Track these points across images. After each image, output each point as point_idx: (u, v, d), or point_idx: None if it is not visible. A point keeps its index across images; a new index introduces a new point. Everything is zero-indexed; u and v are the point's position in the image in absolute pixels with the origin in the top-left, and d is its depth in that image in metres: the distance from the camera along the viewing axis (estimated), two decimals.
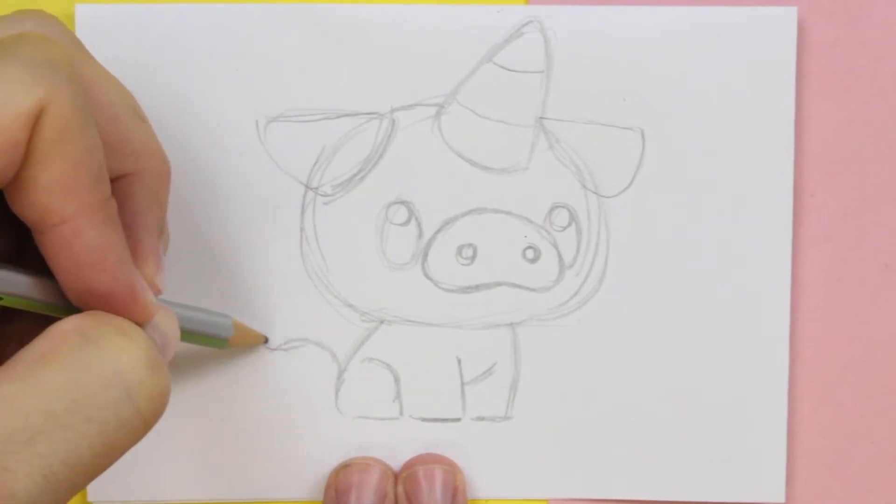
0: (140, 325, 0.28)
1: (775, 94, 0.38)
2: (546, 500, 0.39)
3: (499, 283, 0.38)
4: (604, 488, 0.38)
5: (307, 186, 0.38)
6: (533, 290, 0.38)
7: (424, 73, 0.38)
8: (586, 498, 0.39)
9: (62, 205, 0.26)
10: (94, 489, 0.38)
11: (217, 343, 0.36)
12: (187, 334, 0.34)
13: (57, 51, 0.26)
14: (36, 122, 0.25)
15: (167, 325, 0.30)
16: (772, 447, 0.38)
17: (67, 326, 0.26)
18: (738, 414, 0.38)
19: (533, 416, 0.38)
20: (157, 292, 0.31)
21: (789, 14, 0.38)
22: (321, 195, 0.38)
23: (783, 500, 0.38)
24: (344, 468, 0.38)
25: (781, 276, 0.38)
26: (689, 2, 0.38)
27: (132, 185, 0.31)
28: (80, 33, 0.37)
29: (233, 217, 0.38)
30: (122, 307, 0.28)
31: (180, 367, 0.38)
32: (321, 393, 0.38)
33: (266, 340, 0.38)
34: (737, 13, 0.38)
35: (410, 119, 0.38)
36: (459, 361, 0.38)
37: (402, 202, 0.38)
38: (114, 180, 0.30)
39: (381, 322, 0.38)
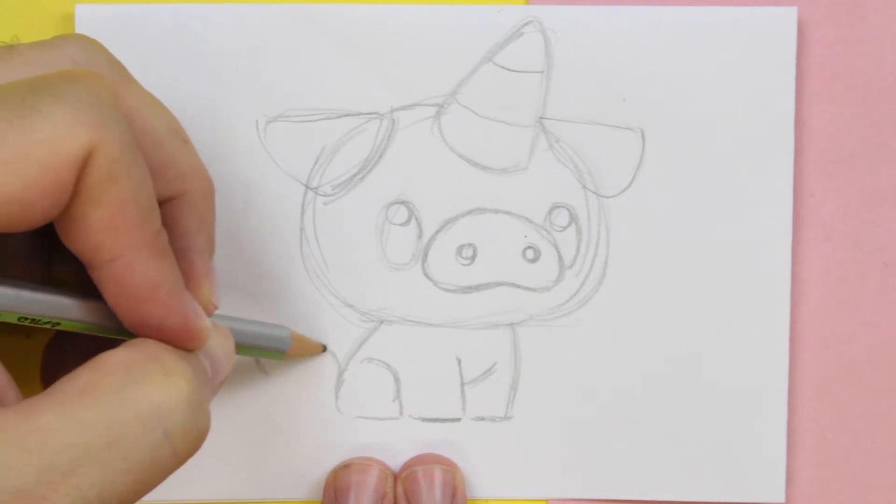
0: (195, 350, 0.28)
1: (775, 94, 0.38)
2: (546, 500, 0.39)
3: (499, 283, 0.38)
4: (604, 488, 0.38)
5: (307, 186, 0.38)
6: (533, 290, 0.38)
7: (424, 73, 0.38)
8: (586, 498, 0.39)
9: (113, 243, 0.26)
10: None
11: (275, 355, 0.36)
12: (245, 348, 0.34)
13: (104, 90, 0.26)
14: (84, 164, 0.25)
15: (221, 346, 0.30)
16: (772, 447, 0.38)
17: (114, 360, 0.26)
18: (739, 414, 0.38)
19: (533, 416, 0.38)
20: (214, 310, 0.31)
21: (789, 14, 0.38)
22: (321, 195, 0.38)
23: (783, 500, 0.38)
24: (343, 468, 0.38)
25: (781, 276, 0.38)
26: (689, 2, 0.38)
27: (180, 207, 0.31)
28: (80, 33, 0.37)
29: (233, 217, 0.38)
30: (176, 335, 0.28)
31: None
32: (321, 393, 0.38)
33: (324, 349, 0.38)
34: (737, 13, 0.38)
35: (410, 119, 0.38)
36: (459, 361, 0.38)
37: (402, 202, 0.38)
38: (161, 203, 0.30)
39: (381, 322, 0.38)
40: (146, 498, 0.38)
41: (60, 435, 0.24)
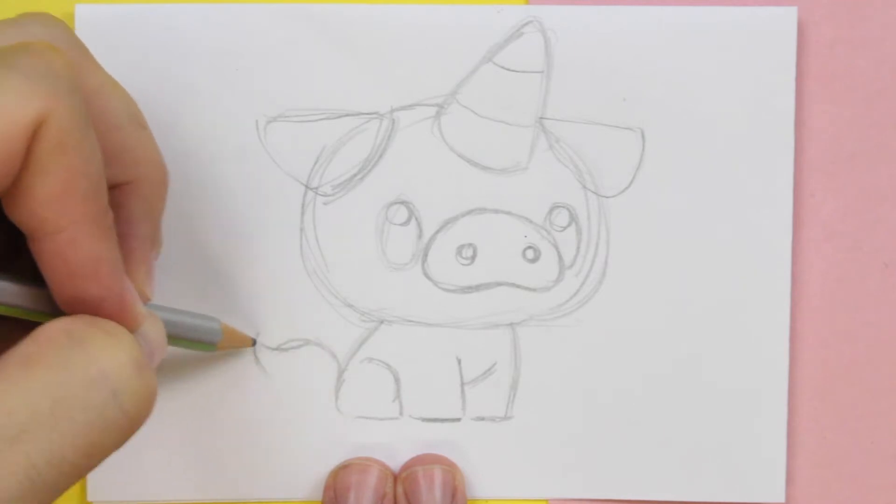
0: (130, 328, 0.28)
1: (775, 94, 0.38)
2: (546, 500, 0.39)
3: (499, 283, 0.38)
4: (604, 488, 0.38)
5: (307, 186, 0.38)
6: (533, 290, 0.38)
7: (424, 73, 0.38)
8: (586, 498, 0.39)
9: (58, 215, 0.26)
10: (93, 489, 0.38)
11: (206, 347, 0.36)
12: (176, 339, 0.34)
13: (59, 60, 0.26)
14: (35, 133, 0.25)
15: (154, 332, 0.30)
16: (772, 447, 0.38)
17: (54, 328, 0.26)
18: (739, 414, 0.38)
19: (533, 416, 0.38)
20: (146, 300, 0.31)
21: (789, 14, 0.38)
22: (321, 195, 0.38)
23: (783, 500, 0.38)
24: (343, 469, 0.38)
25: (781, 276, 0.38)
26: (689, 2, 0.38)
27: (129, 193, 0.31)
28: (80, 33, 0.37)
29: (233, 217, 0.38)
30: (112, 315, 0.28)
31: (180, 367, 0.38)
32: (321, 393, 0.38)
33: (254, 343, 0.38)
34: (737, 13, 0.38)
35: (410, 119, 0.38)
36: (459, 361, 0.38)
37: (402, 202, 0.38)
38: (112, 188, 0.30)
39: (381, 322, 0.38)
40: (144, 498, 0.38)
41: (4, 402, 0.24)
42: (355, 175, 0.38)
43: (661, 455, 0.38)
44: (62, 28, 0.30)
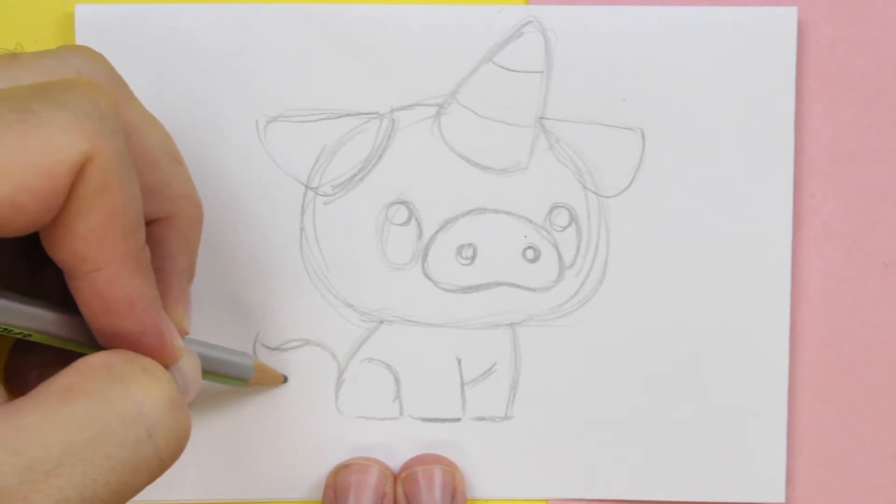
0: (164, 367, 0.28)
1: (775, 94, 0.38)
2: (546, 500, 0.39)
3: (499, 283, 0.38)
4: (604, 488, 0.38)
5: (307, 186, 0.38)
6: (533, 290, 0.38)
7: (424, 73, 0.38)
8: (586, 498, 0.39)
9: (97, 254, 0.26)
10: None
11: (237, 383, 0.36)
12: (209, 374, 0.34)
13: (104, 99, 0.26)
14: (79, 172, 0.25)
15: (190, 367, 0.30)
16: (772, 447, 0.38)
17: (95, 361, 0.27)
18: (738, 414, 0.38)
19: (533, 416, 0.38)
20: (184, 334, 0.31)
21: (789, 14, 0.38)
22: (321, 195, 0.38)
23: (783, 500, 0.38)
24: (342, 469, 0.38)
25: (781, 276, 0.38)
26: (689, 2, 0.38)
27: (166, 228, 0.31)
28: (80, 33, 0.37)
29: (233, 217, 0.38)
30: (150, 350, 0.28)
31: None
32: (321, 393, 0.38)
33: (285, 380, 0.38)
34: (737, 13, 0.38)
35: (410, 119, 0.38)
36: (459, 361, 0.38)
37: (402, 202, 0.38)
38: (148, 223, 0.30)
39: (381, 322, 0.38)
40: (145, 498, 0.38)
41: (43, 435, 0.24)
42: (355, 175, 0.38)
43: (661, 455, 0.38)
44: (102, 62, 0.30)
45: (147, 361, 0.27)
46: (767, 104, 0.38)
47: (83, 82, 0.26)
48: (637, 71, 0.38)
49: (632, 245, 0.38)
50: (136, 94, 0.32)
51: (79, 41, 0.37)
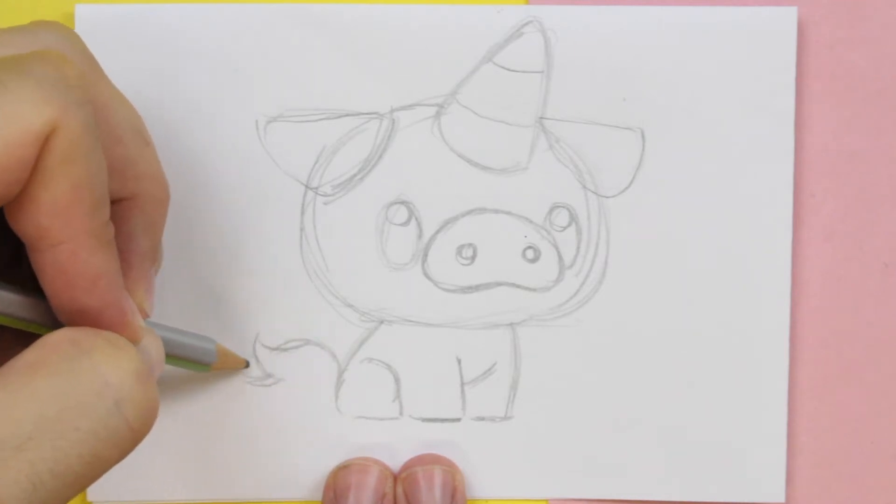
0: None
1: (775, 94, 0.38)
2: (546, 500, 0.39)
3: (499, 283, 0.38)
4: (604, 488, 0.38)
5: (307, 186, 0.38)
6: (533, 290, 0.38)
7: (424, 73, 0.38)
8: (586, 498, 0.39)
9: (61, 227, 0.26)
10: (93, 489, 0.38)
11: (200, 367, 0.36)
12: (171, 358, 0.34)
13: (71, 70, 0.26)
14: (45, 142, 0.25)
15: (154, 348, 0.30)
16: (772, 447, 0.38)
17: (59, 337, 0.26)
18: (738, 414, 0.38)
19: (533, 416, 0.38)
20: (145, 316, 0.31)
21: (789, 14, 0.38)
22: (321, 195, 0.38)
23: (783, 500, 0.38)
24: (342, 469, 0.38)
25: (781, 276, 0.38)
26: (689, 2, 0.38)
27: (131, 208, 0.31)
28: (80, 33, 0.37)
29: (233, 217, 0.38)
30: (111, 328, 0.28)
31: (180, 369, 0.38)
32: (321, 393, 0.38)
33: (247, 365, 0.38)
34: (737, 13, 0.38)
35: (410, 119, 0.38)
36: (459, 361, 0.38)
37: (402, 202, 0.38)
38: (113, 202, 0.30)
39: (381, 322, 0.38)
40: (144, 498, 0.38)
41: (10, 410, 0.24)
42: (355, 175, 0.38)
43: (661, 455, 0.38)
44: (73, 38, 0.30)
45: (112, 335, 0.27)
46: (767, 104, 0.38)
47: (52, 54, 0.26)
48: (637, 71, 0.38)
49: (632, 245, 0.38)
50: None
51: None
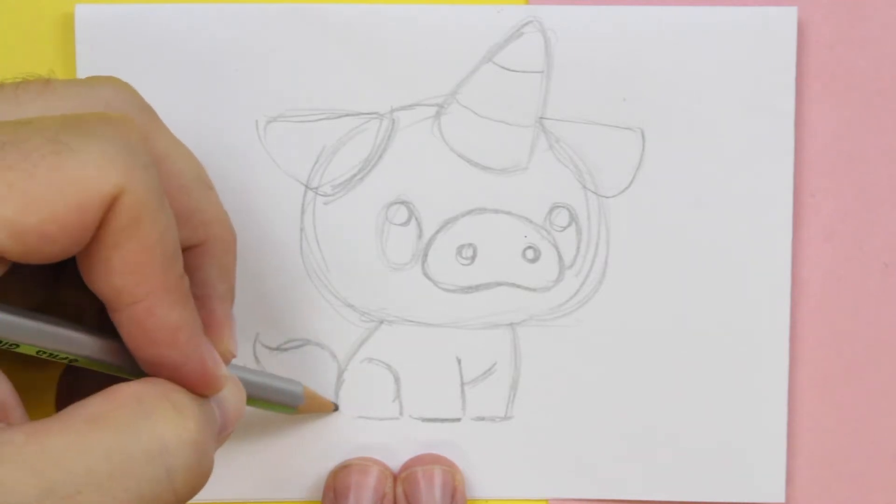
0: (208, 396, 0.28)
1: (775, 94, 0.38)
2: (546, 500, 0.39)
3: (499, 283, 0.38)
4: (603, 488, 0.38)
5: (307, 186, 0.38)
6: (533, 290, 0.38)
7: (424, 73, 0.38)
8: (586, 498, 0.39)
9: (135, 286, 0.26)
10: None
11: (286, 410, 0.36)
12: (256, 401, 0.34)
13: (135, 133, 0.26)
14: (111, 205, 0.25)
15: (233, 398, 0.30)
16: (772, 447, 0.38)
17: (126, 392, 0.26)
18: (738, 414, 0.38)
19: (533, 416, 0.38)
20: (231, 358, 0.31)
21: (789, 14, 0.38)
22: (321, 195, 0.38)
23: (783, 500, 0.38)
24: (342, 469, 0.38)
25: (781, 276, 0.38)
26: (689, 2, 0.38)
27: (202, 255, 0.31)
28: (80, 33, 0.37)
29: (232, 217, 0.38)
30: (192, 379, 0.28)
31: None
32: (321, 393, 0.38)
33: (336, 408, 0.38)
34: (737, 13, 0.38)
35: (410, 119, 0.38)
36: (459, 361, 0.38)
37: (402, 202, 0.38)
38: (184, 250, 0.30)
39: (381, 322, 0.38)
40: None
41: (66, 459, 0.24)
42: (355, 175, 0.38)
43: (661, 455, 0.38)
44: (131, 92, 0.30)
45: (178, 397, 0.27)
46: (767, 104, 0.38)
47: (116, 116, 0.26)
48: (637, 71, 0.38)
49: (632, 245, 0.38)
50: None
51: (79, 41, 0.37)
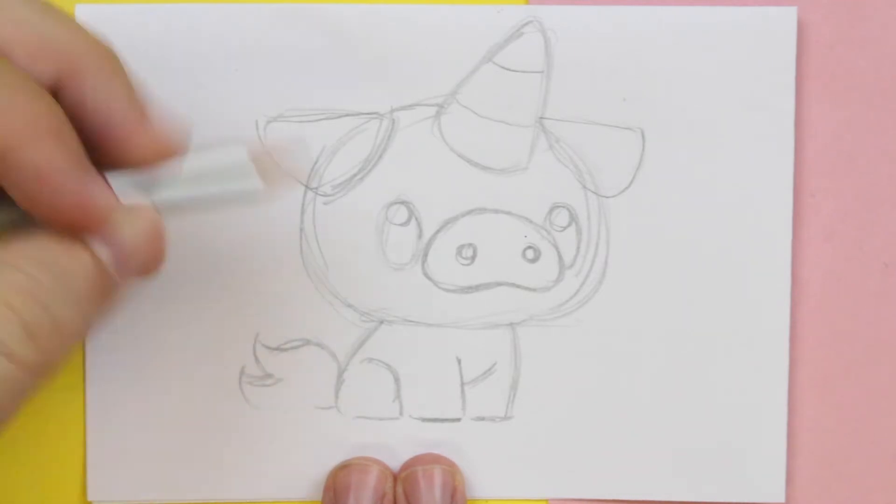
0: (97, 232, 0.28)
1: (775, 94, 0.38)
2: (546, 500, 0.39)
3: (499, 283, 0.38)
4: (604, 488, 0.38)
5: (307, 186, 0.38)
6: (533, 290, 0.38)
7: (424, 73, 0.38)
8: (586, 498, 0.39)
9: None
10: (93, 489, 0.38)
11: (244, 195, 0.30)
12: (199, 201, 0.30)
13: None
14: None
15: (132, 231, 0.29)
16: (772, 447, 0.38)
17: None
18: (738, 414, 0.38)
19: (533, 416, 0.38)
20: (170, 150, 0.29)
21: (789, 14, 0.38)
22: (321, 195, 0.38)
23: (783, 500, 0.38)
24: (342, 469, 0.38)
25: (781, 276, 0.38)
26: (689, 2, 0.38)
27: (83, 82, 0.29)
28: None
29: (232, 217, 0.38)
30: (74, 219, 0.28)
31: (179, 367, 0.38)
32: (321, 393, 0.38)
33: (307, 187, 0.32)
34: (737, 13, 0.38)
35: (410, 119, 0.38)
36: (459, 361, 0.38)
37: (402, 202, 0.38)
38: (61, 86, 0.29)
39: (381, 322, 0.38)
40: (145, 498, 0.38)
41: None
42: (355, 175, 0.38)
43: (660, 455, 0.38)
44: None
45: (11, 253, 0.28)
46: (767, 104, 0.38)
47: None
48: (637, 71, 0.38)
49: (632, 245, 0.38)
50: None
51: None
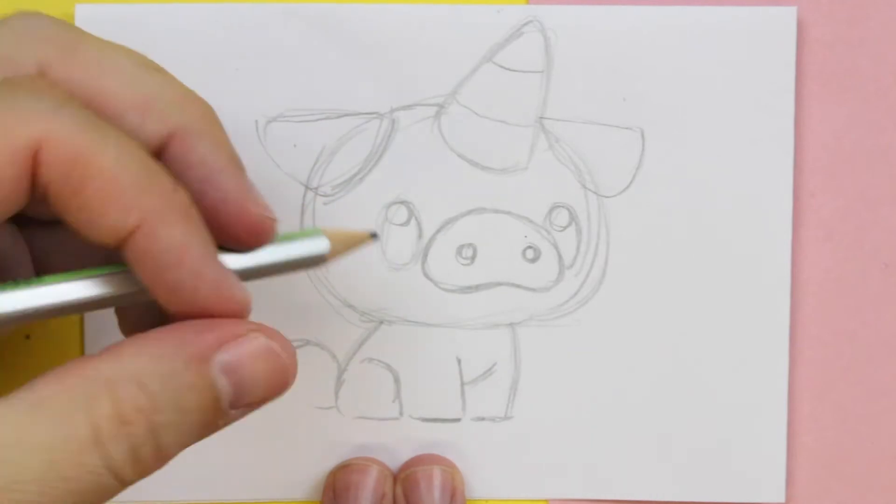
0: (239, 315, 0.27)
1: (775, 94, 0.38)
2: (546, 500, 0.39)
3: (499, 283, 0.38)
4: (604, 488, 0.38)
5: (307, 186, 0.38)
6: (533, 290, 0.38)
7: (424, 73, 0.38)
8: (586, 498, 0.39)
9: (124, 215, 0.25)
10: None
11: (314, 264, 0.30)
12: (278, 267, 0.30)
13: (46, 84, 0.25)
14: (37, 155, 0.24)
15: (257, 361, 0.28)
16: (772, 447, 0.38)
17: (75, 371, 0.25)
18: (738, 414, 0.38)
19: (533, 416, 0.38)
20: (271, 224, 0.28)
21: (789, 14, 0.38)
22: (321, 195, 0.38)
23: (783, 500, 0.38)
24: (342, 469, 0.38)
25: (781, 276, 0.38)
26: (690, 2, 0.38)
27: (184, 140, 0.28)
28: None
29: None
30: (212, 306, 0.26)
31: None
32: (321, 393, 0.38)
33: (375, 235, 0.32)
34: (737, 13, 0.38)
35: (410, 119, 0.38)
36: (459, 361, 0.38)
37: (402, 202, 0.38)
38: (168, 146, 0.28)
39: (381, 322, 0.38)
40: (145, 498, 0.38)
41: (5, 451, 0.24)
42: (355, 175, 0.38)
43: (661, 455, 0.38)
44: (41, 18, 0.28)
45: (137, 369, 0.26)
46: (767, 104, 0.38)
47: (23, 78, 0.26)
48: (637, 71, 0.38)
49: (632, 245, 0.38)
50: None
51: None
